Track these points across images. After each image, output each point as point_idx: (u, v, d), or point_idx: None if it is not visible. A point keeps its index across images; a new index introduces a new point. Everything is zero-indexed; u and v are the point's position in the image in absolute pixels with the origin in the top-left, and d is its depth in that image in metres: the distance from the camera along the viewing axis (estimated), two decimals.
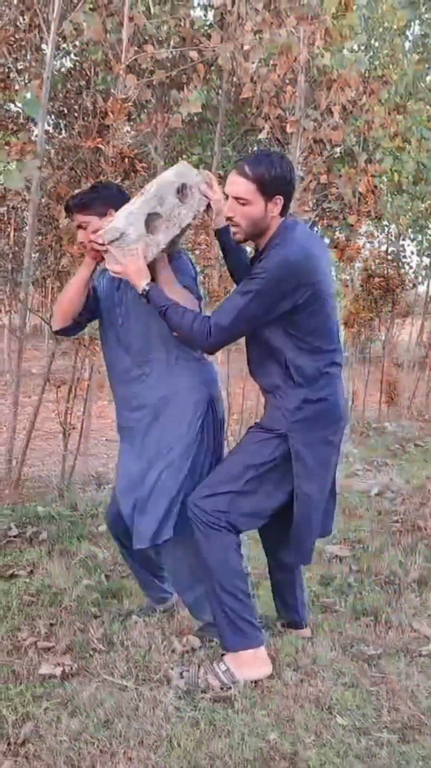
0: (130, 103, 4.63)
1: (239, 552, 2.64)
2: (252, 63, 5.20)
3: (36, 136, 5.12)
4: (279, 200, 2.53)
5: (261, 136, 6.22)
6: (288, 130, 5.70)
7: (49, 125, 8.55)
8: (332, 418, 2.65)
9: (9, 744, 2.21)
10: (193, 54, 5.45)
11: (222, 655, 2.64)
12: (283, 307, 2.49)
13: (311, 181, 5.85)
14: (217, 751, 2.20)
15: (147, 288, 2.58)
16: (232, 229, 2.63)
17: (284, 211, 2.59)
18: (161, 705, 2.42)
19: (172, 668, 2.63)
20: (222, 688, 2.53)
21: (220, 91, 7.87)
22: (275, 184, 2.49)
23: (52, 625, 2.99)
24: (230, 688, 2.53)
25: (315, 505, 2.67)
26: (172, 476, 2.72)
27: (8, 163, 4.10)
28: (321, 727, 2.36)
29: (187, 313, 2.57)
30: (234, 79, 7.27)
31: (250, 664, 2.61)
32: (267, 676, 2.62)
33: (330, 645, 2.89)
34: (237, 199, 2.52)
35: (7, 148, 4.03)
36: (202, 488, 2.66)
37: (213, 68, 7.26)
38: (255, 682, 2.58)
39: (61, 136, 10.79)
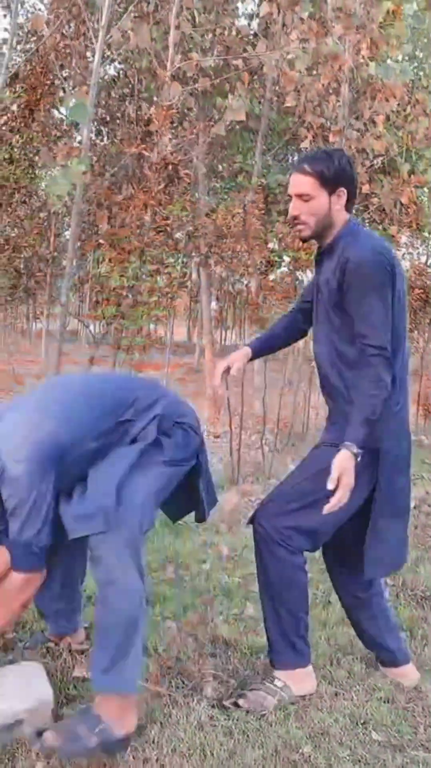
0: (174, 111, 4.66)
1: (305, 570, 2.58)
2: (297, 72, 5.20)
3: (80, 142, 5.17)
4: (343, 192, 2.49)
5: (303, 145, 6.22)
6: (331, 139, 5.69)
7: (91, 132, 8.64)
8: (406, 429, 2.59)
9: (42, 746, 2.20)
10: (238, 62, 5.47)
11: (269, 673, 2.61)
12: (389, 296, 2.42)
13: None
14: (250, 762, 2.18)
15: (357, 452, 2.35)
16: (298, 227, 2.56)
17: (349, 206, 2.55)
18: (194, 713, 2.40)
19: (208, 680, 2.61)
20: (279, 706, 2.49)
21: (263, 99, 7.89)
22: (336, 176, 2.47)
23: (86, 628, 2.99)
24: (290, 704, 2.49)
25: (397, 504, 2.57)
26: None
27: (50, 170, 4.15)
28: (356, 742, 2.32)
29: (359, 394, 2.39)
30: (277, 87, 7.28)
31: (303, 680, 2.57)
32: (313, 692, 2.59)
33: (365, 659, 2.85)
34: (300, 196, 2.50)
35: (52, 152, 4.08)
36: (271, 505, 2.59)
37: (256, 77, 7.28)
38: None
39: (102, 143, 10.92)
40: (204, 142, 6.95)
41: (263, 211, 6.31)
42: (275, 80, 6.78)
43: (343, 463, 2.32)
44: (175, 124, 6.75)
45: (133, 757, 2.16)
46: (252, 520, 2.63)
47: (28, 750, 2.16)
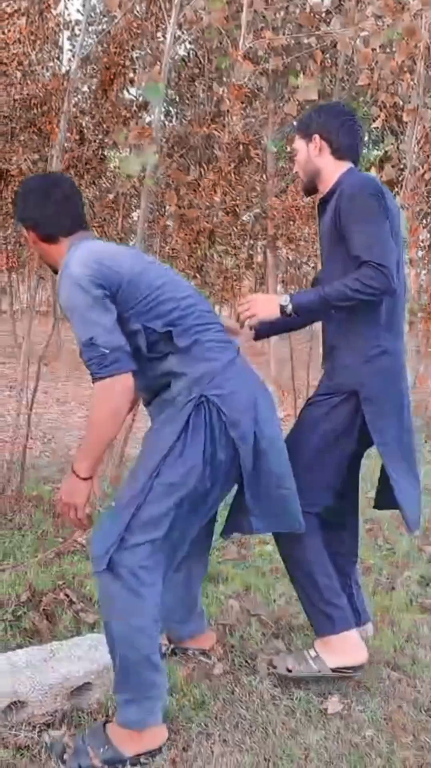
0: (245, 90, 4.63)
1: (320, 533, 2.53)
2: (372, 49, 5.09)
3: (150, 123, 5.18)
4: (316, 139, 2.56)
5: (375, 124, 6.10)
6: (405, 118, 5.57)
7: (161, 113, 8.65)
8: (398, 374, 2.51)
9: (107, 717, 2.25)
10: (311, 40, 5.39)
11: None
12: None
13: (426, 171, 5.70)
14: (312, 742, 2.19)
15: (285, 303, 2.38)
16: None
17: (338, 154, 2.55)
18: (257, 691, 2.42)
19: (265, 657, 2.63)
20: (314, 677, 2.49)
21: (335, 78, 7.77)
22: (309, 124, 2.59)
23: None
24: (321, 675, 2.48)
25: (396, 455, 2.50)
26: None
27: (120, 151, 4.17)
28: (419, 728, 2.31)
29: (335, 283, 2.32)
30: (350, 66, 7.14)
31: (340, 649, 2.46)
32: (361, 663, 2.48)
33: (429, 646, 2.82)
34: (292, 154, 2.74)
35: (123, 133, 4.09)
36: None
37: (328, 55, 7.16)
38: (353, 677, 2.53)
39: (171, 124, 10.94)
40: (274, 122, 6.87)
41: None
42: (348, 58, 6.65)
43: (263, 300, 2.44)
44: (245, 104, 6.70)
45: (198, 732, 2.19)
46: None
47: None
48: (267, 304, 2.41)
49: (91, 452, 2.11)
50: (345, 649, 2.47)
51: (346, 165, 2.57)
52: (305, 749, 2.16)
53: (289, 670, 2.48)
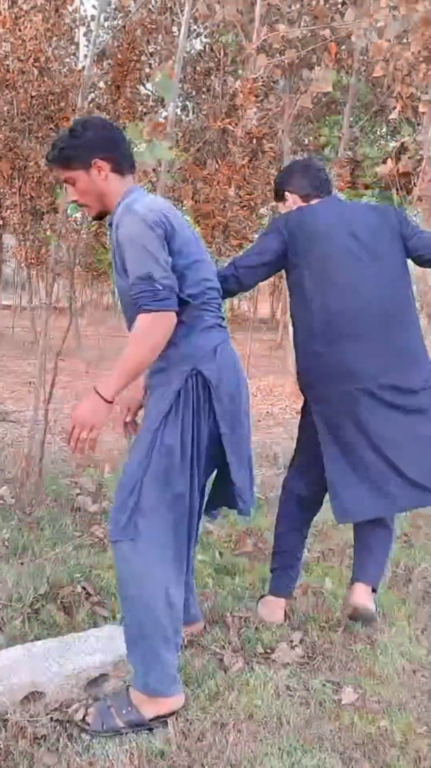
0: (260, 84, 4.63)
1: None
2: (387, 40, 5.07)
3: (165, 117, 5.19)
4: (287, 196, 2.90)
5: (392, 116, 6.07)
6: (421, 109, 5.53)
7: (176, 107, 8.65)
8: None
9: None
10: (325, 32, 5.37)
11: None
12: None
13: None
14: (326, 732, 2.20)
15: None
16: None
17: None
18: (272, 682, 2.43)
19: (285, 643, 2.65)
20: None
21: (350, 70, 7.73)
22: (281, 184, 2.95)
23: None
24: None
25: None
26: None
27: (137, 145, 4.17)
28: None
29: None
30: (365, 57, 7.11)
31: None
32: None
33: None
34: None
35: (138, 128, 4.10)
36: None
37: (343, 47, 7.12)
38: (370, 669, 2.55)
39: (188, 119, 10.94)
40: (289, 115, 6.86)
41: (350, 185, 6.22)
42: (363, 50, 6.62)
43: None
44: (260, 98, 6.70)
45: (212, 722, 2.21)
46: None
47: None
48: None
49: (123, 379, 2.16)
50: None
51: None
52: (319, 739, 2.17)
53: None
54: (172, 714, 2.21)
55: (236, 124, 4.48)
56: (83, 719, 2.18)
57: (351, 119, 8.40)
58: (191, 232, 2.39)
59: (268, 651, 2.64)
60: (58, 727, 2.16)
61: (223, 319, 2.41)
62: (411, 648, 2.72)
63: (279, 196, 2.99)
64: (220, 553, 3.65)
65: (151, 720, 2.19)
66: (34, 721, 2.17)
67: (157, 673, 2.18)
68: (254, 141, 4.31)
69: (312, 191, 2.90)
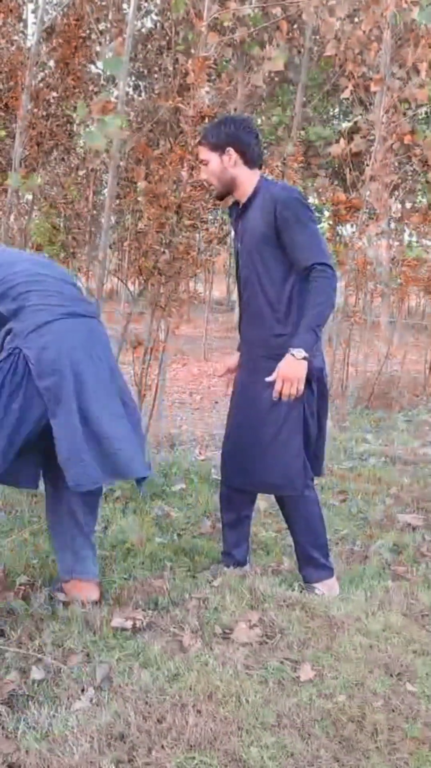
0: (211, 62, 4.58)
1: None
2: (337, 19, 5.05)
3: (116, 97, 5.12)
4: (231, 151, 2.91)
5: (344, 95, 6.07)
6: (373, 88, 5.55)
7: (128, 87, 8.53)
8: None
9: (83, 689, 2.27)
10: (276, 10, 5.33)
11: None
12: None
13: (394, 142, 5.69)
14: (285, 709, 2.22)
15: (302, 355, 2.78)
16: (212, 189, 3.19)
17: (251, 164, 2.95)
18: (230, 662, 2.44)
19: (243, 622, 2.66)
20: None
21: (302, 49, 7.70)
22: (220, 137, 2.92)
23: (125, 579, 3.06)
24: None
25: None
26: None
27: (89, 124, 4.12)
28: (390, 692, 2.35)
29: (308, 303, 2.79)
30: (317, 37, 7.09)
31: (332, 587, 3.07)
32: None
33: (400, 612, 2.87)
34: (202, 162, 3.06)
35: (88, 107, 4.03)
36: None
37: (295, 26, 7.09)
38: (327, 646, 2.57)
39: (140, 98, 10.80)
40: (242, 94, 6.81)
41: (302, 165, 6.22)
42: (315, 29, 6.60)
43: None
44: (212, 77, 6.64)
45: (171, 704, 2.21)
46: None
47: None
48: (295, 370, 2.76)
49: None
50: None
51: (258, 173, 2.97)
52: (278, 716, 2.19)
53: None
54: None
55: (188, 104, 4.43)
56: None
57: (304, 99, 8.38)
58: (16, 253, 2.96)
59: (227, 631, 2.65)
60: (16, 714, 2.15)
61: (51, 297, 2.65)
62: (368, 624, 2.76)
63: (218, 148, 2.93)
64: (179, 535, 3.66)
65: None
66: None
67: None
68: (206, 120, 4.27)
69: (260, 160, 3.01)
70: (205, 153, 2.98)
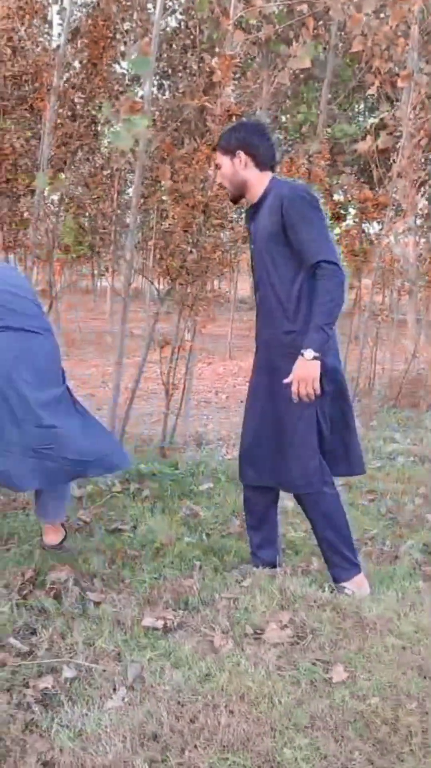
0: (237, 60, 4.56)
1: None
2: (365, 14, 5.01)
3: (142, 96, 5.12)
4: (241, 155, 2.97)
5: (370, 92, 6.02)
6: (400, 84, 5.50)
7: (152, 86, 8.54)
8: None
9: (115, 689, 2.28)
10: (302, 7, 5.30)
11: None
12: None
13: (422, 138, 5.64)
14: (317, 711, 2.21)
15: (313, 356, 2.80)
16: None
17: (262, 167, 2.99)
18: (262, 662, 2.44)
19: (274, 623, 2.65)
20: None
21: (328, 46, 7.65)
22: (231, 142, 3.00)
23: (155, 578, 3.06)
24: None
25: None
26: None
27: (113, 124, 4.11)
28: (423, 695, 2.33)
29: (315, 302, 2.81)
30: (343, 33, 7.05)
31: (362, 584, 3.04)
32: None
33: None
34: (217, 166, 3.22)
35: (114, 107, 4.03)
36: None
37: (320, 23, 7.05)
38: (359, 647, 2.56)
39: (164, 97, 10.81)
40: (267, 92, 6.79)
41: (329, 162, 6.18)
42: (340, 25, 6.56)
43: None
44: (237, 75, 6.63)
45: (204, 704, 2.21)
46: None
47: None
48: (307, 370, 2.80)
49: None
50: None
51: (269, 174, 3.01)
52: (311, 718, 2.18)
53: None
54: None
55: (215, 102, 4.42)
56: None
57: (329, 96, 8.33)
58: None
59: (258, 632, 2.64)
60: (50, 712, 2.15)
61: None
62: (400, 625, 2.74)
63: (229, 151, 3.00)
64: (207, 535, 3.65)
65: None
66: (25, 707, 2.16)
67: None
68: (233, 119, 4.26)
69: (271, 162, 3.04)
70: (219, 157, 3.08)
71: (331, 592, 2.95)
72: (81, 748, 2.02)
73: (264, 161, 3.01)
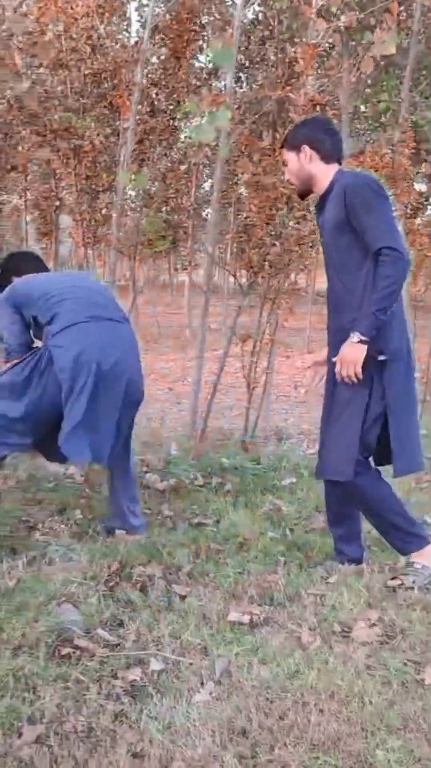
0: (320, 49, 4.49)
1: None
2: None
3: (223, 87, 5.10)
4: (305, 149, 3.00)
5: None
6: None
7: (232, 79, 8.50)
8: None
9: (202, 683, 2.27)
10: None
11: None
12: None
13: None
14: (410, 712, 2.16)
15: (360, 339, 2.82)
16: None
17: (327, 159, 3.02)
18: (351, 661, 2.39)
19: (362, 621, 2.60)
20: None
21: (410, 32, 7.46)
22: (295, 137, 3.06)
23: (239, 573, 3.05)
24: None
25: None
26: None
27: (191, 120, 4.12)
28: None
29: (375, 287, 2.81)
30: (425, 18, 6.86)
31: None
32: None
33: None
34: (284, 164, 3.21)
35: (196, 101, 4.03)
36: None
37: (402, 8, 6.88)
38: None
39: (242, 90, 10.77)
40: (347, 81, 6.66)
41: (413, 150, 6.04)
42: (424, 10, 6.39)
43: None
44: (318, 65, 6.53)
45: (293, 702, 2.18)
46: None
47: None
48: (351, 353, 2.82)
49: None
50: None
51: (330, 166, 3.03)
52: (403, 719, 2.12)
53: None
54: None
55: (297, 92, 4.36)
56: None
57: (411, 83, 8.13)
58: (55, 276, 3.71)
59: (346, 630, 2.60)
60: (138, 704, 2.17)
61: (79, 304, 3.20)
62: None
63: (295, 147, 3.04)
64: (291, 530, 3.62)
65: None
66: (114, 698, 2.18)
67: None
68: (317, 108, 4.20)
69: (336, 154, 3.06)
70: (285, 154, 3.13)
71: (419, 590, 2.88)
72: (170, 741, 2.02)
73: (330, 154, 3.03)
